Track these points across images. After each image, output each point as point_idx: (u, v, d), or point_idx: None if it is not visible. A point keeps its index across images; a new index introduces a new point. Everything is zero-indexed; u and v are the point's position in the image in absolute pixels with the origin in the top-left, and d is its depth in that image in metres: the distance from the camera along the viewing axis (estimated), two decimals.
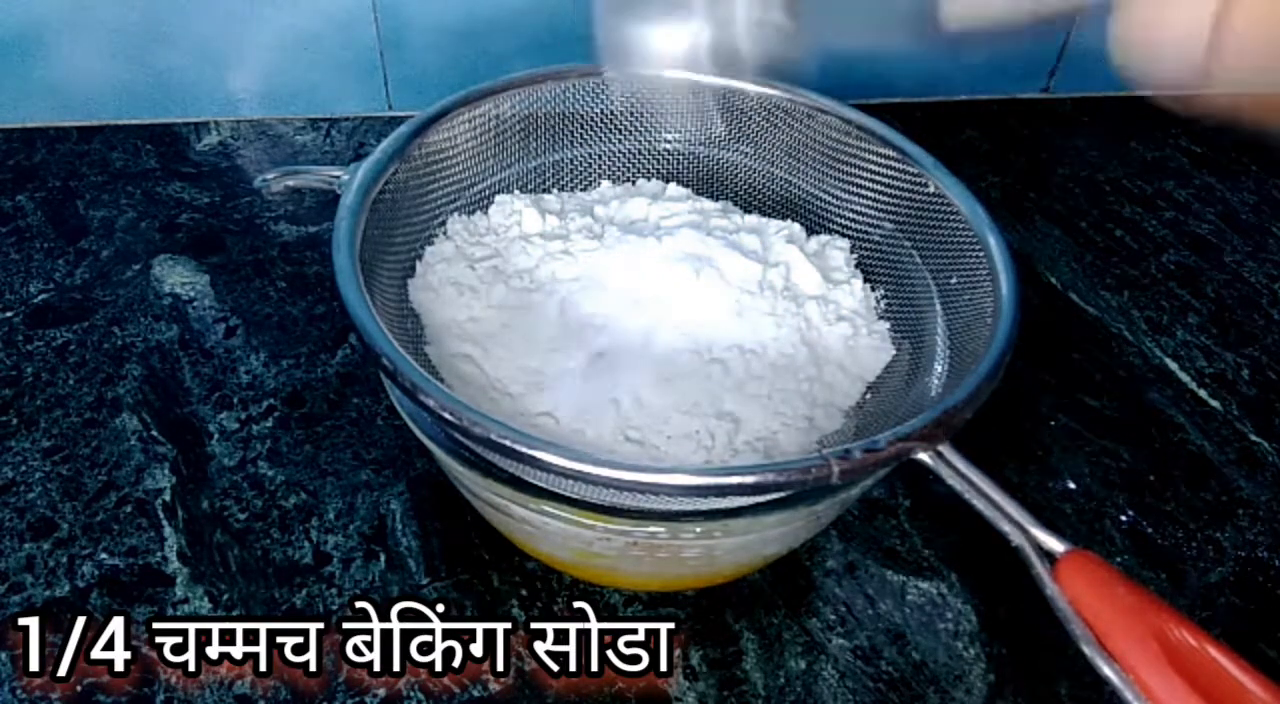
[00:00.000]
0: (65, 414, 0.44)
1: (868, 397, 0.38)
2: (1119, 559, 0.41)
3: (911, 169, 0.40)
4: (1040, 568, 0.26)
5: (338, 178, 0.37)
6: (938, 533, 0.41)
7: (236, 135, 0.58)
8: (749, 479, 0.28)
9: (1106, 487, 0.43)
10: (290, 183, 0.39)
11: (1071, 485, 0.43)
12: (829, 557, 0.40)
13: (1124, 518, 0.42)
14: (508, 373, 0.37)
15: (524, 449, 0.28)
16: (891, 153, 0.40)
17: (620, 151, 0.46)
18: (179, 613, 0.37)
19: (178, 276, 0.50)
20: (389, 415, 0.44)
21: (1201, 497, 0.43)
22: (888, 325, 0.40)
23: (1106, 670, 0.24)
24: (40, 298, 0.49)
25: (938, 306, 0.38)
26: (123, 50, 0.56)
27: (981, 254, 0.36)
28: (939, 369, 0.36)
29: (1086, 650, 0.24)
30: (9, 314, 0.48)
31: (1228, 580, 0.40)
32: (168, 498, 0.41)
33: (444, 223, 0.42)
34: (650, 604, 0.38)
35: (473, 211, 0.43)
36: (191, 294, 0.49)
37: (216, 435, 0.43)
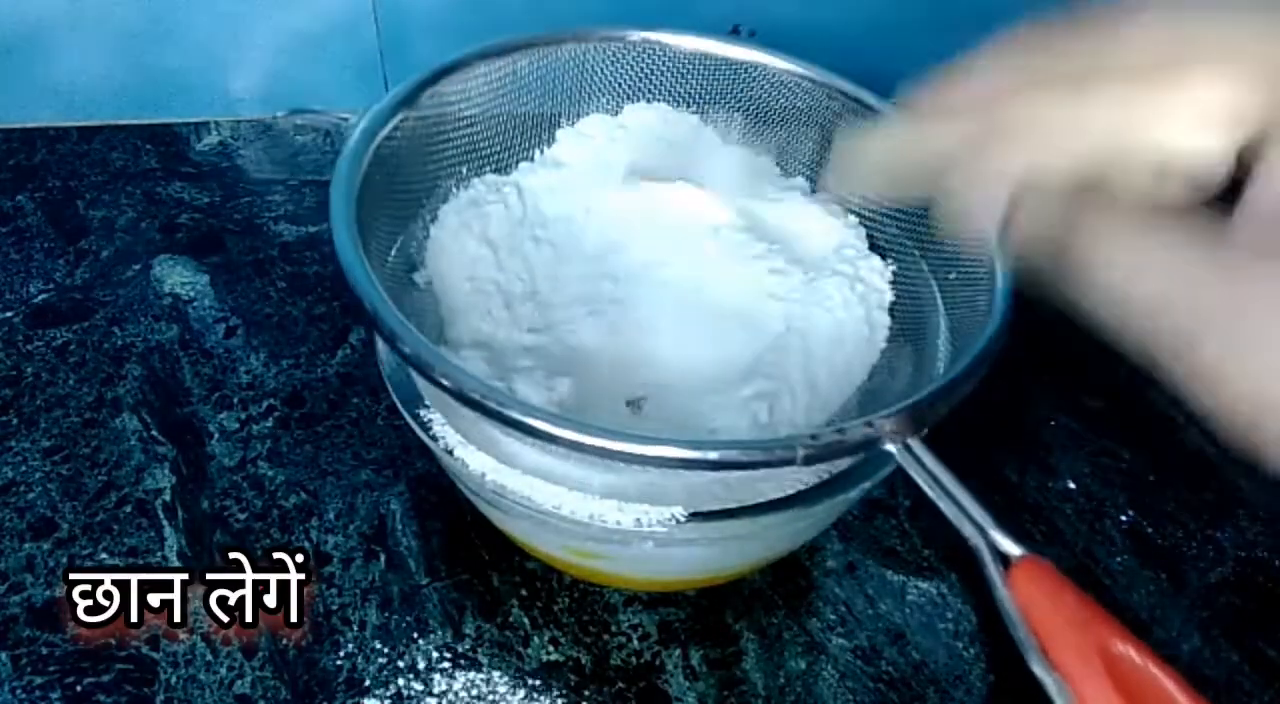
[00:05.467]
0: (65, 414, 0.44)
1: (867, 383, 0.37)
2: (1119, 559, 0.41)
3: None
4: (993, 570, 0.26)
5: (345, 120, 0.37)
6: (938, 533, 0.41)
7: (236, 135, 0.58)
8: (712, 454, 0.27)
9: (1106, 487, 0.43)
10: (299, 121, 0.39)
11: (1071, 485, 0.43)
12: (829, 557, 0.40)
13: (1124, 518, 0.42)
14: (512, 319, 0.37)
15: (493, 405, 0.27)
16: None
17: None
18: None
19: (178, 276, 0.50)
20: (389, 415, 0.44)
21: (1201, 497, 0.43)
22: (888, 320, 0.39)
23: (1046, 680, 0.24)
24: (40, 298, 0.49)
25: (939, 305, 0.38)
26: (123, 50, 0.56)
27: (981, 251, 0.35)
28: (941, 370, 0.36)
29: (1029, 658, 0.24)
30: (9, 314, 0.48)
31: (1228, 580, 0.40)
32: (168, 498, 0.41)
33: (456, 177, 0.41)
34: (650, 604, 0.38)
35: (490, 170, 0.42)
36: (191, 294, 0.49)
37: (216, 435, 0.43)
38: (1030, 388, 0.47)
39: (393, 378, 0.34)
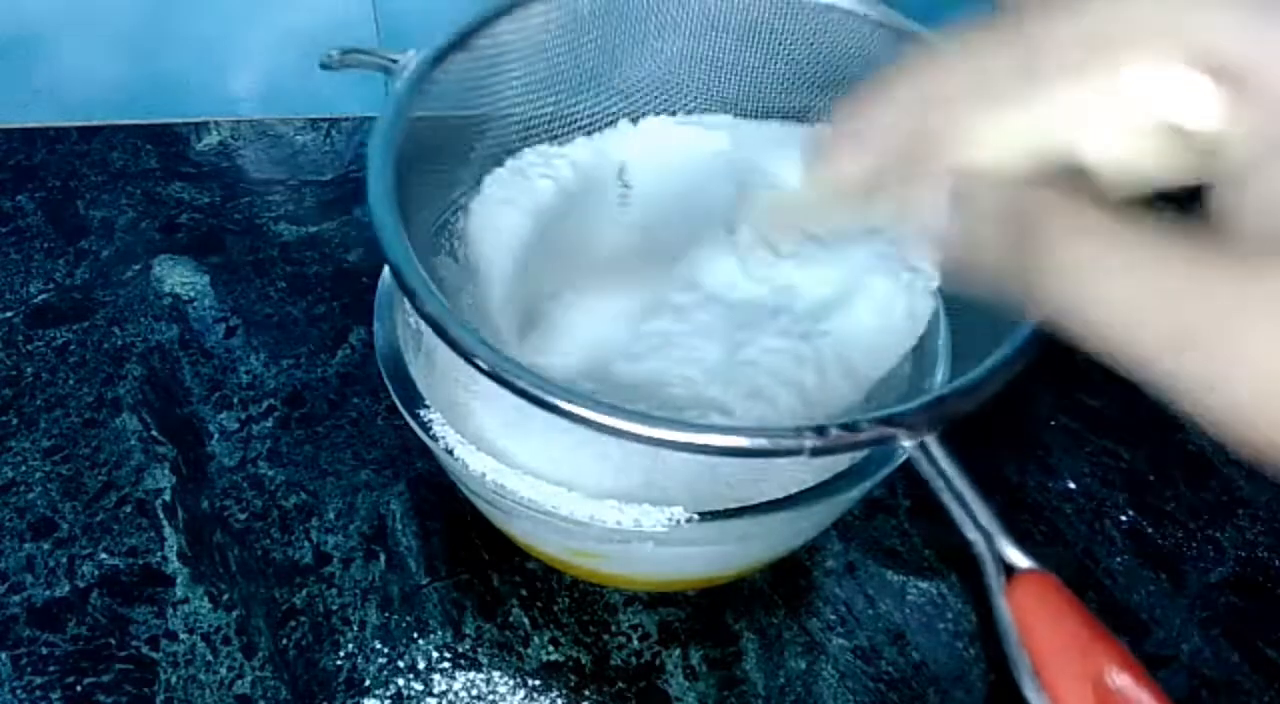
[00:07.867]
0: (65, 414, 0.44)
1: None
2: (1119, 559, 0.41)
3: None
4: (994, 580, 0.25)
5: (395, 62, 0.36)
6: (938, 533, 0.41)
7: (236, 135, 0.58)
8: (715, 439, 0.26)
9: (1106, 486, 0.43)
10: (351, 65, 0.38)
11: (1071, 485, 0.43)
12: (829, 557, 0.40)
13: (1124, 518, 0.42)
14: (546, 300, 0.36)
15: (492, 366, 0.27)
16: None
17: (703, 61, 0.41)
18: (179, 613, 0.37)
19: (178, 276, 0.50)
20: (389, 415, 0.44)
21: (1201, 497, 0.43)
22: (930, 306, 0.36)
23: (1034, 701, 0.23)
24: (40, 298, 0.49)
25: (940, 309, 0.37)
26: (123, 50, 0.56)
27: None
28: (941, 372, 0.35)
29: (1020, 676, 0.23)
30: (9, 314, 0.48)
31: (1228, 580, 0.40)
32: (168, 498, 0.41)
33: (514, 137, 0.39)
34: (650, 604, 0.38)
35: (545, 139, 0.40)
36: (191, 294, 0.49)
37: (216, 435, 0.43)
38: (1030, 388, 0.47)
39: (383, 350, 0.34)
